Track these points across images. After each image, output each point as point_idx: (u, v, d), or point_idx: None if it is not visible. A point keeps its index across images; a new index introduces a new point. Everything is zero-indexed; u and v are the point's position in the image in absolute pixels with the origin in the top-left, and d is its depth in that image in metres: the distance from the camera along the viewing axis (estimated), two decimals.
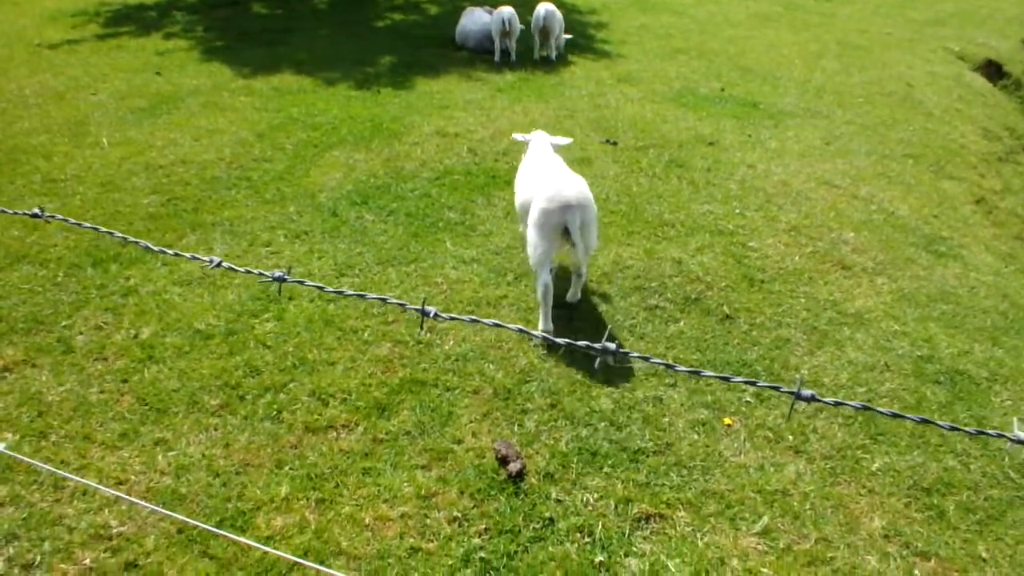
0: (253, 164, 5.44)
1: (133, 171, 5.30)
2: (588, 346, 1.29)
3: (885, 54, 10.03)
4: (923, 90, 8.69)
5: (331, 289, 1.44)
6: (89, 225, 1.47)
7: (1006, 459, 3.09)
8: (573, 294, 3.84)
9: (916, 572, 2.53)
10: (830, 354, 3.66)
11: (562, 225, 3.39)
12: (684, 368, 1.19)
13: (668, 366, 1.19)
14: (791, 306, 4.01)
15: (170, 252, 1.41)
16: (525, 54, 8.65)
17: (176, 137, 5.93)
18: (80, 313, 3.69)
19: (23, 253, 4.17)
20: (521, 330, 1.32)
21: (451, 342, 3.54)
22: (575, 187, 3.43)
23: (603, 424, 3.08)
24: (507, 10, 8.27)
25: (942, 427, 0.94)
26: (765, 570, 2.47)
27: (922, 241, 5.02)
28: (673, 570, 2.44)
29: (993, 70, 10.98)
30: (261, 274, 1.45)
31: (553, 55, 8.57)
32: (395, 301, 1.42)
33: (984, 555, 2.62)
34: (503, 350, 3.49)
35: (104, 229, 1.47)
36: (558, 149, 4.03)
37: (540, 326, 3.59)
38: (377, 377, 3.29)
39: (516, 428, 3.05)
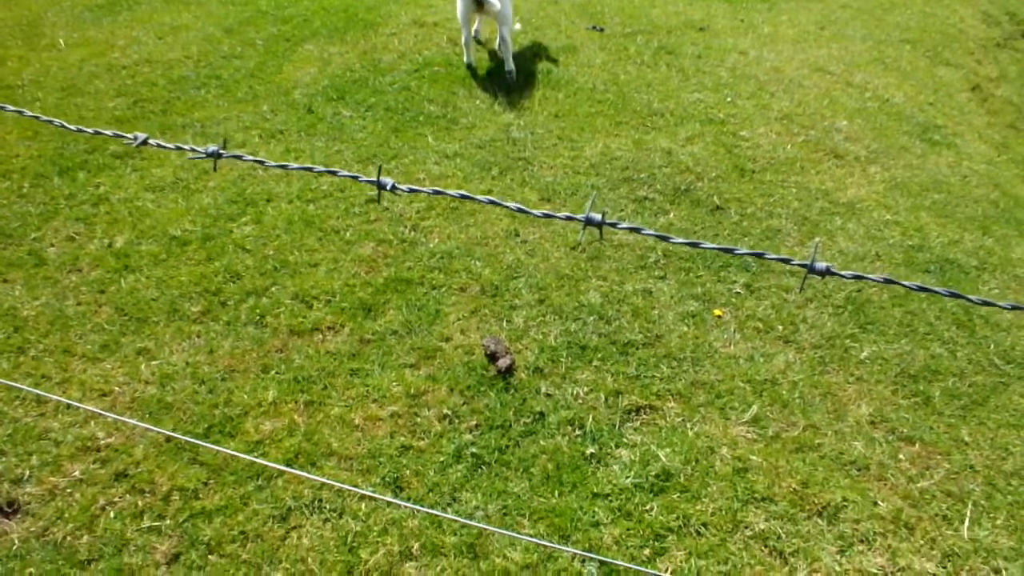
0: (222, 62, 5.17)
1: (95, 73, 5.03)
2: (570, 217, 1.20)
3: None
4: None
5: (273, 163, 1.33)
6: (73, 127, 1.34)
7: (991, 346, 3.10)
8: (508, 69, 4.87)
9: (901, 456, 2.56)
10: (822, 244, 3.62)
11: None
12: (680, 240, 1.11)
13: (661, 237, 1.11)
14: (782, 196, 3.92)
15: (88, 131, 1.29)
16: None
17: (138, 35, 5.61)
18: (50, 224, 3.55)
19: None
20: (492, 202, 1.23)
21: (436, 240, 3.45)
22: None
23: (592, 318, 3.04)
24: None
25: (973, 301, 0.88)
26: (754, 457, 2.49)
27: (916, 129, 4.91)
28: (664, 459, 2.46)
29: None
30: (193, 150, 1.34)
31: None
32: (345, 173, 1.32)
33: (967, 439, 2.66)
34: (489, 247, 3.41)
35: (58, 121, 1.35)
36: None
37: (464, 59, 5.03)
38: (361, 277, 3.22)
39: (505, 324, 3.01)
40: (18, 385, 2.64)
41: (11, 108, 1.41)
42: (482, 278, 3.23)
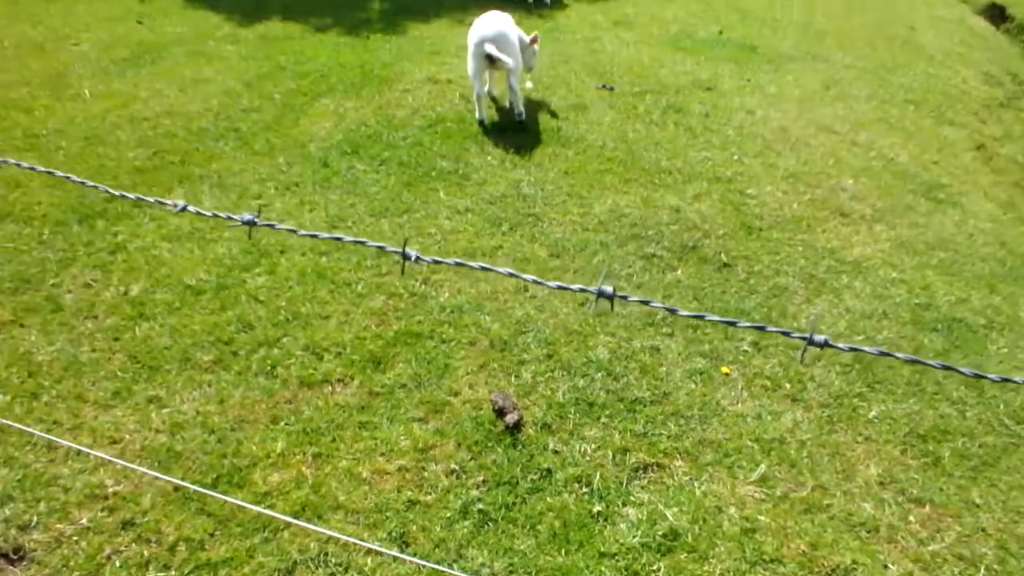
0: (241, 114, 5.31)
1: (117, 124, 5.17)
2: (583, 290, 1.24)
3: None
4: (925, 33, 8.53)
5: (303, 232, 1.39)
6: (77, 179, 1.40)
7: (1001, 406, 3.10)
8: (517, 111, 5.15)
9: (911, 518, 2.54)
10: (828, 302, 3.64)
11: (482, 51, 4.76)
12: (687, 313, 1.15)
13: (669, 310, 1.15)
14: (789, 254, 3.97)
15: (131, 196, 1.35)
16: None
17: (161, 88, 5.78)
18: (68, 271, 3.62)
19: (7, 211, 4.08)
20: (512, 274, 1.27)
21: (446, 294, 3.50)
22: (492, 24, 4.83)
23: (600, 374, 3.06)
24: None
25: (964, 373, 0.91)
26: (762, 518, 2.48)
27: (921, 188, 4.97)
28: (671, 519, 2.45)
29: (996, 13, 10.77)
30: (229, 217, 1.39)
31: (548, 0, 8.38)
32: (374, 244, 1.36)
33: (978, 501, 2.64)
34: (499, 301, 3.46)
35: (91, 183, 1.41)
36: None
37: (476, 116, 5.17)
38: (372, 330, 3.25)
39: (513, 379, 3.03)
40: (30, 430, 2.66)
41: (24, 164, 1.47)
42: (491, 333, 3.26)
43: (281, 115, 5.30)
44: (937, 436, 2.91)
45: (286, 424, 2.77)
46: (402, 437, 2.72)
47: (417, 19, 7.61)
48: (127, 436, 2.70)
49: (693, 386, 3.04)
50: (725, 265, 3.83)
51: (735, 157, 4.92)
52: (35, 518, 2.39)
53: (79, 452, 2.61)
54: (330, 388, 2.95)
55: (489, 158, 4.74)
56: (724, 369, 3.14)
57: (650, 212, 4.21)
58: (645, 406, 2.92)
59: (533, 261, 3.74)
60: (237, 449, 2.66)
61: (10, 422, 2.60)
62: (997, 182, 6.46)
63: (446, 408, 2.87)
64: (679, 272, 3.76)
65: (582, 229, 4.03)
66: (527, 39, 5.18)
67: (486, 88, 5.45)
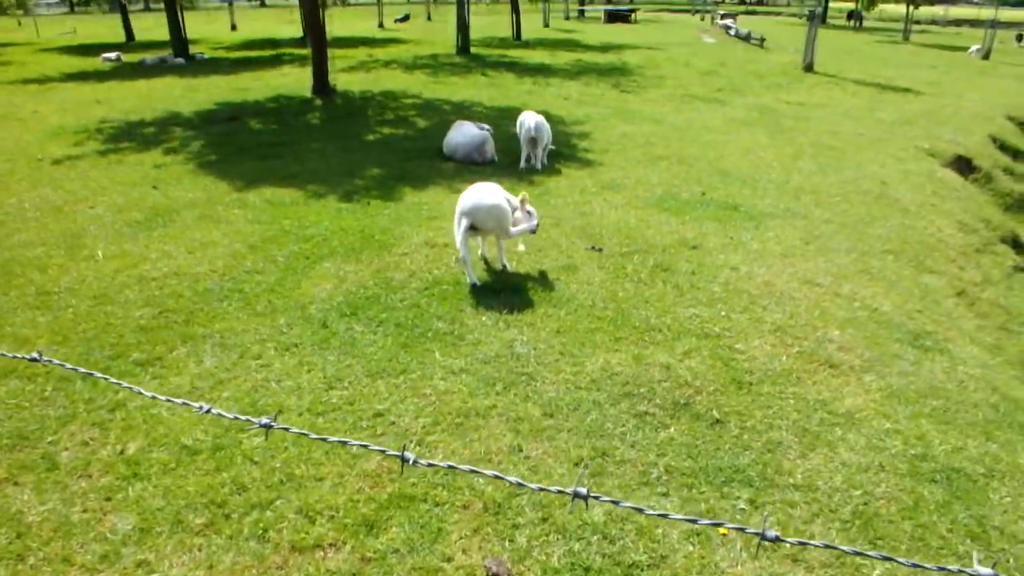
0: (245, 276, 5.52)
1: (126, 284, 5.37)
2: (560, 491, 1.30)
3: (858, 154, 10.42)
4: (897, 187, 8.99)
5: (315, 436, 1.47)
6: (84, 370, 1.50)
7: (1011, 560, 3.04)
8: (503, 263, 5.61)
9: None
10: (823, 456, 3.64)
11: (463, 219, 5.08)
12: (653, 512, 1.20)
13: (637, 509, 1.21)
14: (781, 408, 4.01)
15: (162, 398, 1.44)
16: (511, 164, 8.94)
17: (170, 249, 6.05)
18: (67, 428, 3.66)
19: (11, 367, 4.17)
20: (497, 476, 1.34)
21: (440, 455, 3.51)
22: (470, 198, 5.13)
23: (596, 537, 3.02)
24: (534, 118, 8.50)
25: (903, 564, 0.95)
26: None
27: (907, 336, 5.08)
28: None
29: (963, 165, 11.41)
30: (248, 420, 1.48)
31: (539, 165, 8.83)
32: (376, 448, 1.45)
33: None
34: (493, 462, 3.46)
35: (99, 374, 1.51)
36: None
37: (468, 280, 5.34)
38: (365, 493, 3.24)
39: (507, 544, 2.98)
40: None
41: (69, 366, 1.57)
42: (485, 495, 3.24)
43: (283, 277, 5.51)
44: None
45: None
46: None
47: (415, 186, 8.02)
48: None
49: (691, 548, 3.00)
50: (717, 421, 3.87)
51: (722, 313, 5.07)
52: None
53: None
54: (322, 553, 2.91)
55: (483, 318, 4.89)
56: (722, 530, 3.10)
57: (641, 370, 4.30)
58: (642, 570, 2.87)
59: (527, 420, 3.78)
60: None
61: None
62: (982, 326, 6.61)
63: (439, 575, 2.81)
64: (672, 430, 3.79)
65: (575, 387, 4.09)
66: (516, 202, 5.47)
67: (479, 251, 5.75)
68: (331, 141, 10.27)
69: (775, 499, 3.30)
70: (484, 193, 5.20)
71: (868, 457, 3.66)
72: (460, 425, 3.74)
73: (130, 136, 10.68)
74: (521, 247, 6.00)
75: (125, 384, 1.57)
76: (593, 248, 6.18)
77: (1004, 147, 12.82)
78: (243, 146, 9.98)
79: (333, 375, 4.17)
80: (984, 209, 10.10)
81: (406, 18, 39.80)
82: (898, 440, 3.81)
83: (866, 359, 4.63)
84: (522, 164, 8.84)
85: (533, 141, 8.61)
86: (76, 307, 5.00)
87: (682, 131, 11.41)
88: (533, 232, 5.61)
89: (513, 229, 5.40)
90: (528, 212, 5.54)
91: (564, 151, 9.65)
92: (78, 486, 3.26)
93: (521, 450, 3.56)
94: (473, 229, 5.18)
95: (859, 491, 3.42)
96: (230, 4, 38.45)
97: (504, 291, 5.26)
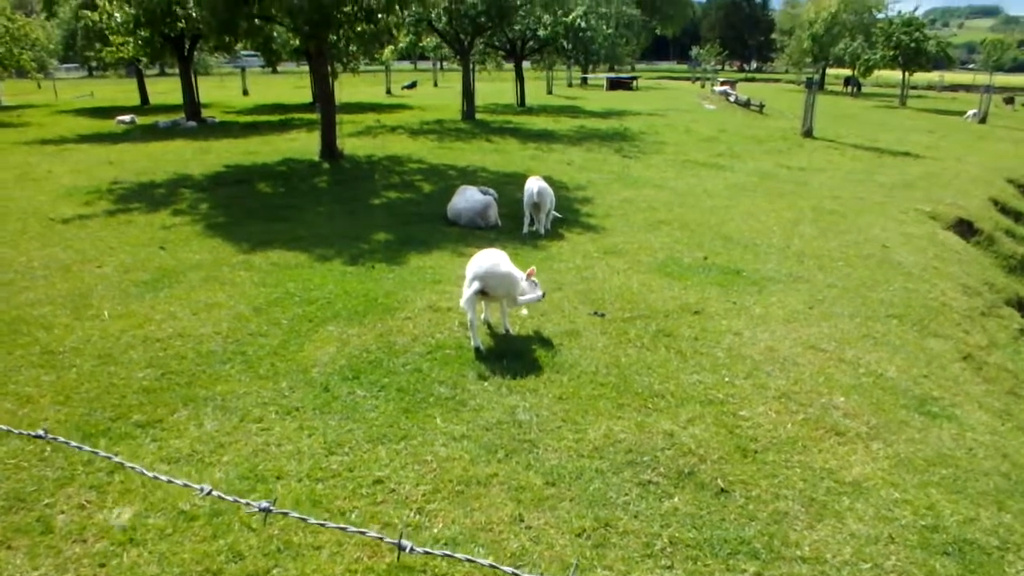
0: (249, 338, 5.53)
1: (131, 344, 5.38)
2: None
3: (859, 218, 10.51)
4: (900, 250, 9.03)
5: (314, 520, 1.47)
6: (88, 448, 1.50)
7: None
8: (505, 326, 5.66)
9: None
10: (831, 527, 3.57)
11: (474, 283, 5.15)
12: None
13: None
14: (787, 476, 3.95)
15: (164, 478, 1.44)
16: (515, 229, 9.03)
17: (175, 310, 6.08)
18: (64, 491, 3.63)
19: (13, 427, 4.15)
20: (492, 566, 1.33)
21: (440, 524, 3.45)
22: (484, 262, 5.23)
23: None
24: (537, 183, 8.62)
25: None
26: None
27: (913, 402, 5.03)
28: None
29: (965, 228, 11.49)
30: (248, 504, 1.49)
31: (542, 230, 8.93)
32: (374, 535, 1.45)
33: None
34: (493, 532, 3.40)
35: (103, 453, 1.51)
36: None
37: (472, 344, 5.36)
38: (363, 563, 3.18)
39: None
40: None
41: (74, 444, 1.57)
42: (485, 569, 3.17)
43: (287, 340, 5.52)
44: None
45: None
46: None
47: (419, 250, 8.08)
48: None
49: None
50: (722, 491, 3.80)
51: (726, 379, 5.04)
52: None
53: None
54: None
55: (486, 384, 4.86)
56: None
57: (644, 437, 4.25)
58: None
59: (529, 489, 3.72)
60: None
61: None
62: (989, 391, 6.53)
63: None
64: (676, 499, 3.72)
65: (577, 456, 4.05)
66: (522, 274, 5.51)
67: (482, 316, 5.80)
68: (337, 204, 10.42)
69: (782, 572, 3.22)
70: (498, 259, 5.30)
71: (877, 528, 3.58)
72: (461, 493, 3.68)
73: (140, 197, 10.86)
74: (524, 311, 6.01)
75: (129, 464, 1.57)
76: (596, 313, 6.19)
77: (1005, 210, 12.95)
78: (251, 208, 10.13)
79: (334, 440, 4.14)
80: (987, 272, 10.11)
81: (413, 85, 40.84)
82: (907, 510, 3.74)
83: (872, 426, 4.57)
84: (524, 229, 8.94)
85: (536, 206, 8.72)
86: (80, 367, 5.01)
87: (683, 196, 11.54)
88: (539, 301, 5.66)
89: (520, 298, 5.45)
90: (534, 283, 5.59)
91: (567, 216, 9.76)
92: (72, 551, 3.21)
93: (522, 520, 3.50)
94: (482, 293, 5.28)
95: (868, 564, 3.34)
96: (242, 70, 39.52)
97: (507, 356, 5.25)
